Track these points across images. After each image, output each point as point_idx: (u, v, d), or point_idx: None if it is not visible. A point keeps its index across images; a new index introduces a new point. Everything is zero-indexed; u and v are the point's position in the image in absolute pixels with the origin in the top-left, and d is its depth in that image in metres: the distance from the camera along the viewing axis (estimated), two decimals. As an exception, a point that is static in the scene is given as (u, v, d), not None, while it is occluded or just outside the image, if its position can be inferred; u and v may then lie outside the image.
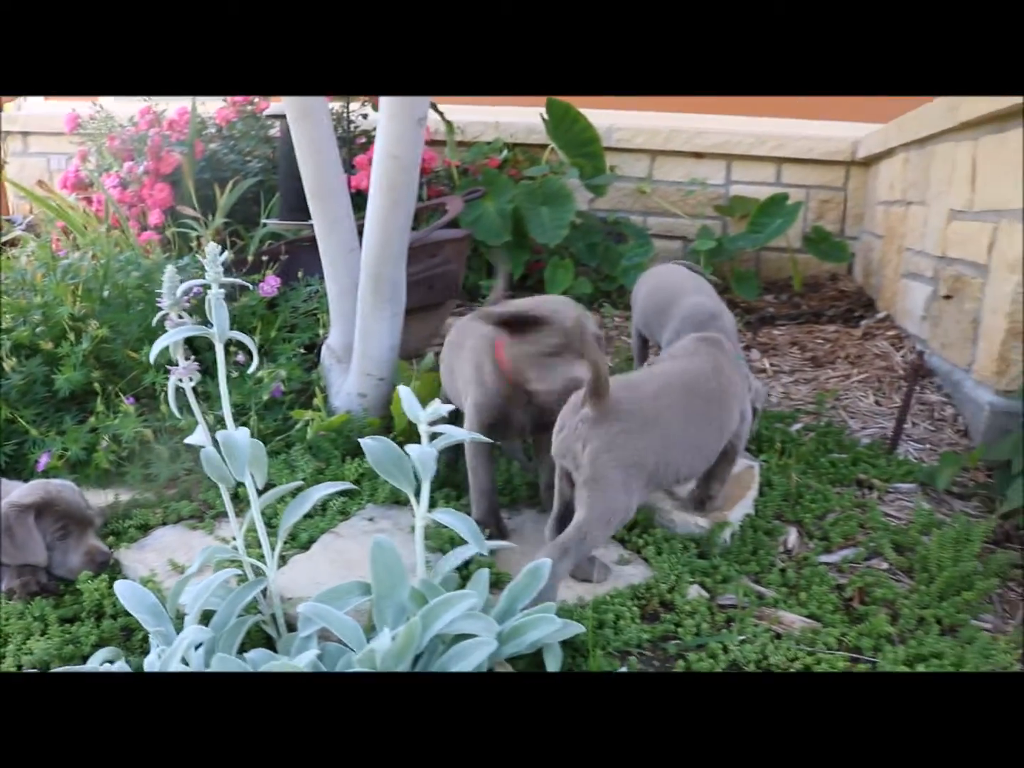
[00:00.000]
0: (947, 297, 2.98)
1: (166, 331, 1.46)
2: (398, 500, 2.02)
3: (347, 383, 2.37)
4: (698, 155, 4.89)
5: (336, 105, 4.36)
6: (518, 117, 4.96)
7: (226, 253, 1.54)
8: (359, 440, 1.49)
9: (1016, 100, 2.31)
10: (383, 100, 2.10)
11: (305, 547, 1.84)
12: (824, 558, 1.90)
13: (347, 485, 1.64)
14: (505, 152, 4.72)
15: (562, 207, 4.22)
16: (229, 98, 4.57)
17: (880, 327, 3.74)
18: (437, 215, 3.71)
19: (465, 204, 3.82)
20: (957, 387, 2.82)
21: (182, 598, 1.52)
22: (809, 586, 1.74)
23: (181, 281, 1.51)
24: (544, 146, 4.72)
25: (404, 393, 1.50)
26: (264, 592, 1.58)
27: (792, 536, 1.98)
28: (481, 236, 4.15)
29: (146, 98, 4.40)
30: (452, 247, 3.08)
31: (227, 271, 2.77)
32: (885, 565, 1.89)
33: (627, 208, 4.95)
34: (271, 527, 1.88)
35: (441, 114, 4.46)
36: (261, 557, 1.57)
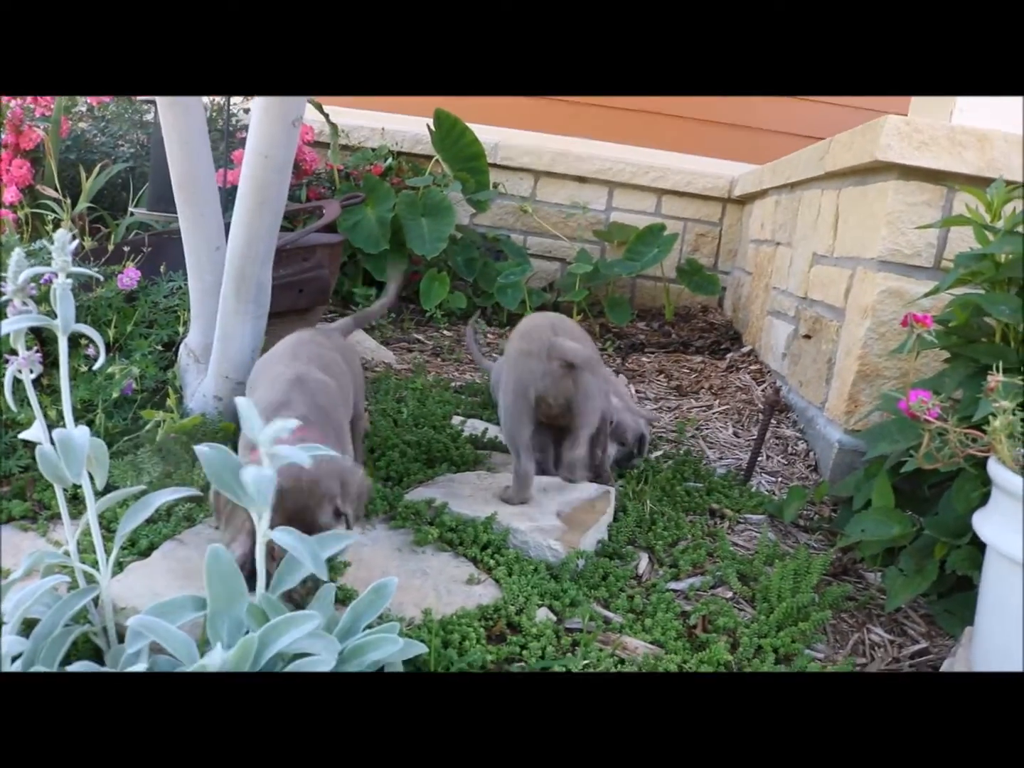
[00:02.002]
0: (806, 337, 3.11)
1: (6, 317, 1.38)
2: (248, 509, 1.96)
3: (203, 385, 2.30)
4: (581, 179, 4.98)
5: (218, 97, 4.25)
6: (405, 126, 4.95)
7: (81, 240, 1.46)
8: (195, 447, 1.43)
9: (875, 157, 2.44)
10: (257, 97, 2.05)
11: (145, 554, 1.77)
12: (672, 585, 1.95)
13: (191, 491, 1.58)
14: (389, 160, 4.70)
15: (442, 219, 4.23)
16: (103, 78, 4.39)
17: (744, 360, 3.88)
18: (314, 218, 3.66)
19: (344, 209, 3.79)
20: (811, 423, 2.94)
21: (3, 605, 1.43)
22: (655, 612, 1.77)
23: (31, 266, 1.43)
24: (429, 157, 4.72)
25: (243, 405, 1.42)
26: (96, 601, 1.51)
27: (643, 562, 2.02)
28: (358, 243, 4.12)
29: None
30: (325, 252, 3.03)
31: (85, 259, 2.69)
32: (730, 594, 1.94)
33: (508, 226, 4.99)
34: (110, 532, 1.80)
35: (326, 116, 4.41)
36: (96, 563, 1.50)
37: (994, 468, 1.48)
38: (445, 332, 4.11)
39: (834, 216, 3.00)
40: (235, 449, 1.59)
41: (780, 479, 2.69)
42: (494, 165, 4.86)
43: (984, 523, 1.52)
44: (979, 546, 1.63)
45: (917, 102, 5.25)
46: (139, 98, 4.21)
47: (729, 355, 3.99)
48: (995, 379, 1.51)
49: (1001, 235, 2.04)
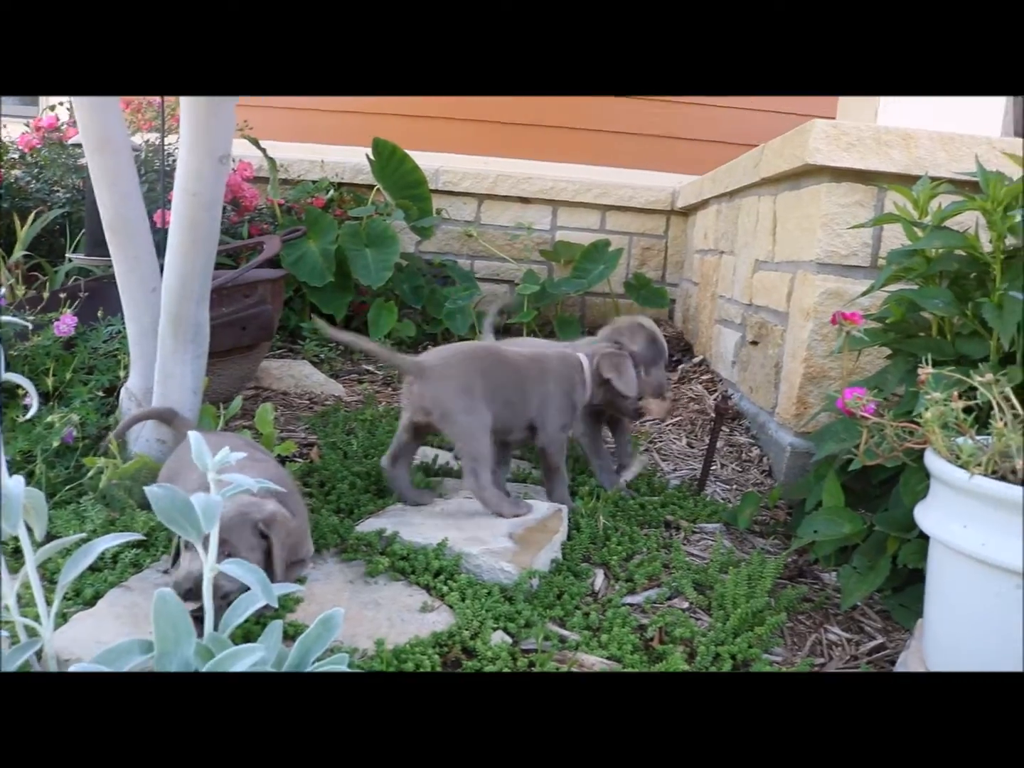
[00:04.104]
0: (753, 343, 3.17)
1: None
2: (197, 551, 1.95)
3: (146, 428, 2.29)
4: (525, 200, 5.02)
5: (152, 137, 4.25)
6: (345, 156, 4.97)
7: (14, 289, 1.46)
8: (144, 488, 1.44)
9: (806, 161, 2.50)
10: (183, 134, 2.06)
11: (90, 603, 1.75)
12: (628, 599, 1.96)
13: (133, 536, 1.57)
14: (331, 192, 4.71)
15: (387, 248, 4.25)
16: (33, 123, 4.38)
17: (696, 371, 3.93)
18: (256, 254, 3.66)
19: (286, 244, 3.79)
20: (763, 429, 2.98)
21: (-58, 664, 1.41)
22: (611, 627, 1.78)
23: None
24: (371, 186, 4.74)
25: (194, 439, 1.46)
26: (39, 654, 1.50)
27: (599, 579, 2.04)
28: (303, 277, 4.12)
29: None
30: (267, 287, 3.04)
31: (21, 308, 2.67)
32: (686, 604, 1.96)
33: (454, 251, 5.02)
34: (53, 583, 1.78)
35: (263, 151, 4.42)
36: (37, 616, 1.49)
37: (930, 459, 1.52)
38: (396, 361, 4.12)
39: (772, 222, 3.06)
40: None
41: (735, 487, 2.73)
42: (436, 191, 4.89)
43: (925, 515, 1.55)
44: (928, 538, 1.67)
45: (844, 103, 5.37)
46: (71, 141, 4.19)
47: (681, 366, 4.03)
48: (925, 372, 1.55)
49: (929, 230, 2.10)
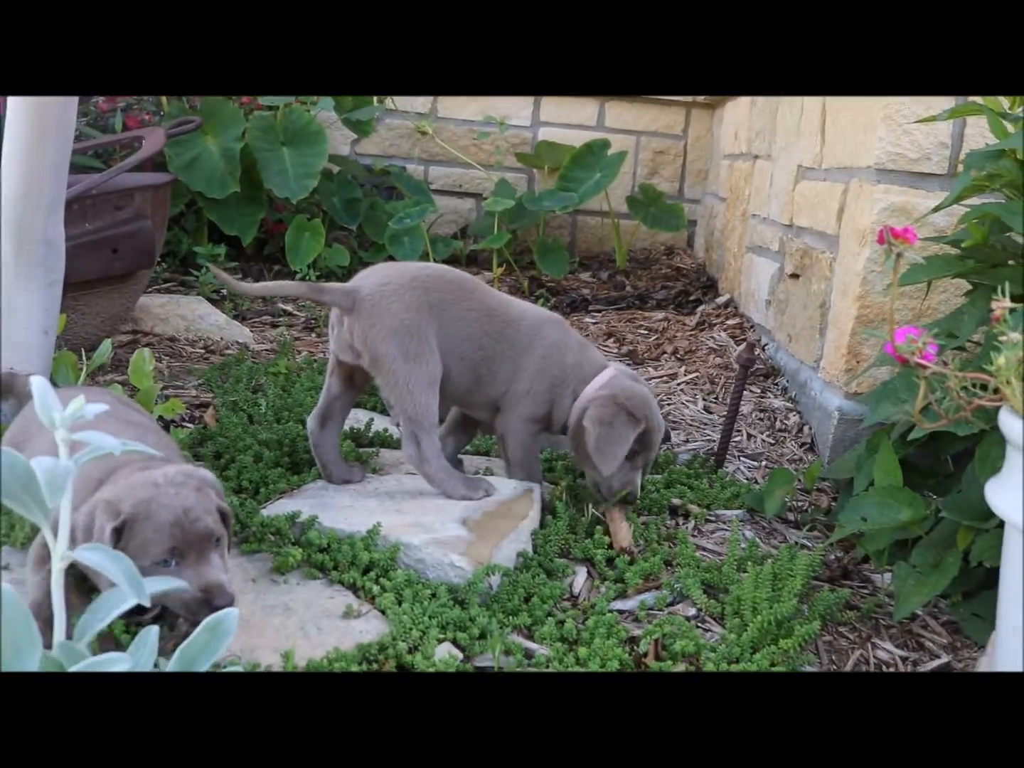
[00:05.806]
0: (793, 276, 3.19)
1: None
2: (49, 541, 1.97)
3: (-19, 384, 2.30)
4: (497, 86, 5.00)
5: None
6: (255, 24, 4.93)
7: None
8: (-25, 452, 1.46)
9: (862, 29, 2.51)
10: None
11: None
12: (617, 604, 2.01)
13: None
14: (236, 71, 4.68)
15: (311, 149, 4.24)
16: None
17: (720, 314, 3.97)
18: (133, 153, 3.65)
19: (173, 139, 3.78)
20: (803, 389, 3.02)
21: None
22: (592, 639, 1.82)
23: None
24: (289, 65, 4.72)
25: (38, 387, 1.47)
26: None
27: (580, 578, 2.08)
28: (198, 185, 4.10)
29: None
30: (147, 197, 3.04)
31: None
32: (693, 611, 2.01)
33: (401, 154, 5.02)
34: None
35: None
36: None
37: (1006, 420, 1.52)
38: (322, 299, 4.13)
39: (821, 115, 3.07)
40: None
41: (765, 463, 2.77)
42: (378, 72, 4.87)
43: (999, 493, 1.56)
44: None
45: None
46: None
47: (700, 308, 4.08)
48: (1001, 305, 1.56)
49: (1022, 125, 2.09)
